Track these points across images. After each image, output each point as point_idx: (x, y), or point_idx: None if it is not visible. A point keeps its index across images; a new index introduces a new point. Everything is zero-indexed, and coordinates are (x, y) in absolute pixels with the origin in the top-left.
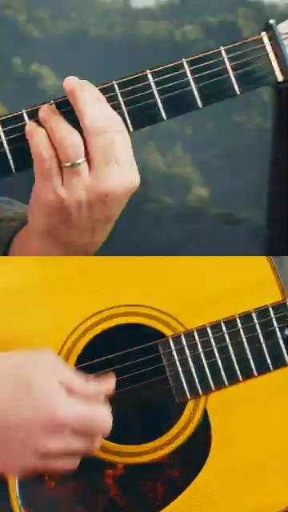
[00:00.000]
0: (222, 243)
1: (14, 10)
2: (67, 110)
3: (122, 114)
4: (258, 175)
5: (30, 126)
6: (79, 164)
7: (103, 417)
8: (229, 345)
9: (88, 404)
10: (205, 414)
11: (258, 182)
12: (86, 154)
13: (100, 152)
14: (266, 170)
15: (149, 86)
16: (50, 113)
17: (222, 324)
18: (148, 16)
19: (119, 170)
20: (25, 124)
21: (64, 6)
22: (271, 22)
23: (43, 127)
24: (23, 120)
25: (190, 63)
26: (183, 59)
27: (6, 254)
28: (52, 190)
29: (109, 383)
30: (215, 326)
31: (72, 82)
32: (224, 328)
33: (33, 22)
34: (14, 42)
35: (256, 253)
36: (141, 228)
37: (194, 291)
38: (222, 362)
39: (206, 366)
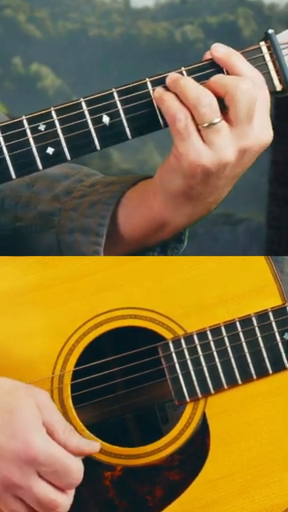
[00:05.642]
0: (222, 243)
1: (14, 10)
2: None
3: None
4: (258, 175)
5: (158, 92)
6: (216, 123)
7: (77, 469)
8: (228, 348)
9: (64, 451)
10: (203, 417)
11: (258, 182)
12: (225, 112)
13: (244, 110)
14: (266, 170)
15: (148, 94)
16: (179, 77)
17: (222, 328)
18: (148, 16)
19: (257, 126)
20: (24, 130)
21: (64, 6)
22: (270, 31)
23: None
24: (23, 126)
25: (189, 71)
26: (182, 68)
27: (114, 215)
28: (194, 150)
29: (92, 447)
30: (215, 330)
31: (222, 50)
32: (224, 332)
33: (33, 21)
34: (14, 42)
35: (255, 253)
36: None
37: (194, 293)
38: (221, 365)
39: (205, 369)
